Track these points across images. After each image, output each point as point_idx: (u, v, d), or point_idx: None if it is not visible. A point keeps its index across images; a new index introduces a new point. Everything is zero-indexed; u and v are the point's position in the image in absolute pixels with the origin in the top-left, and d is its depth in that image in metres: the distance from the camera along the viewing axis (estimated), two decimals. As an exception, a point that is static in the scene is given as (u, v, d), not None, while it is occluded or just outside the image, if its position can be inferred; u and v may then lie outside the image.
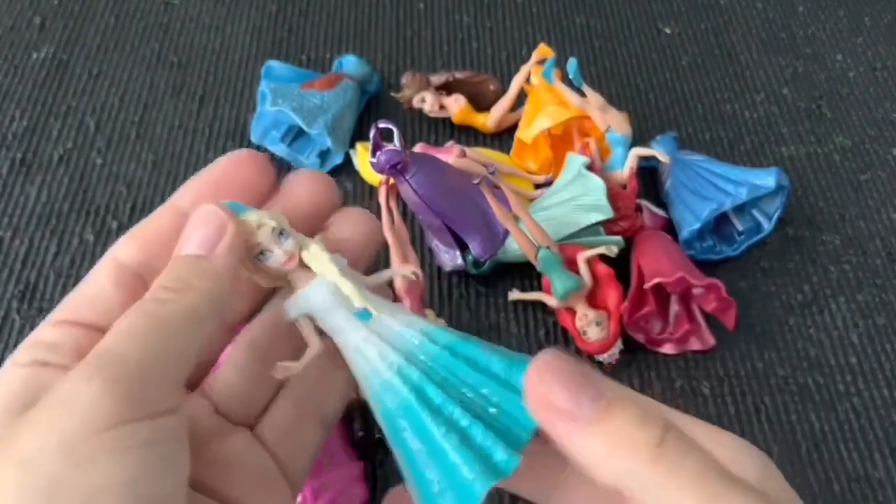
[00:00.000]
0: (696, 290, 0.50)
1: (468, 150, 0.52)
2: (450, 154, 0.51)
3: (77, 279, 0.40)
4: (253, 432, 0.25)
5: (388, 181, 0.49)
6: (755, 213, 0.55)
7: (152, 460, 0.19)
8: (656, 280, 0.48)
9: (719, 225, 0.55)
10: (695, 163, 0.55)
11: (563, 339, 0.51)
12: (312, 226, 0.26)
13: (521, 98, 0.60)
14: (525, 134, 0.56)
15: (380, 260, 0.28)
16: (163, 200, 0.25)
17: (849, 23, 0.71)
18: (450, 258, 0.53)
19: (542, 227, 0.48)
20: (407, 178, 0.45)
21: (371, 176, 0.58)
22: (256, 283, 0.25)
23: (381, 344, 0.24)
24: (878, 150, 0.62)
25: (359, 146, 0.59)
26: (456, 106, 0.60)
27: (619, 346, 0.49)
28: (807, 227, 0.57)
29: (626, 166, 0.54)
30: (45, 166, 0.59)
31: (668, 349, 0.51)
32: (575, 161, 0.53)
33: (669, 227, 0.55)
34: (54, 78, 0.64)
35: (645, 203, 0.55)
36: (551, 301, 0.49)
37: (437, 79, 0.61)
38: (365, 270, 0.27)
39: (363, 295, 0.24)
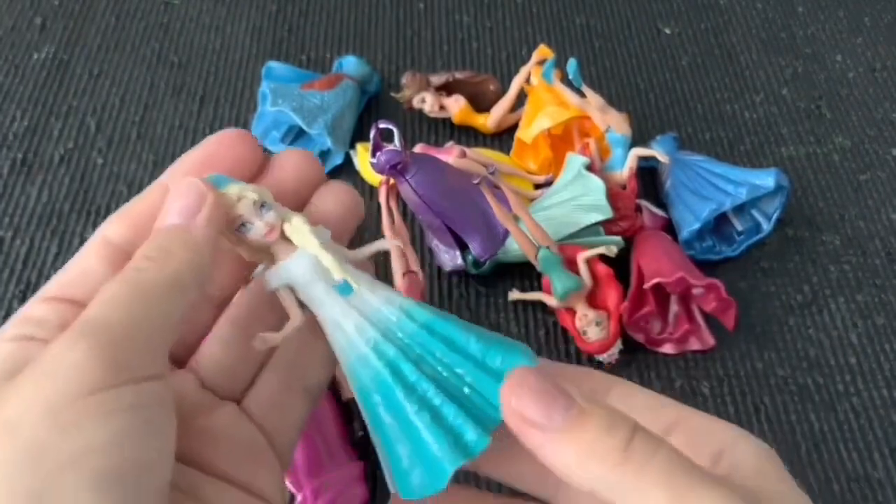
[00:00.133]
0: (695, 291, 0.50)
1: (468, 151, 0.52)
2: (450, 154, 0.52)
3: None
4: (240, 406, 0.26)
5: (388, 181, 0.49)
6: (755, 213, 0.55)
7: (137, 424, 0.19)
8: (656, 280, 0.48)
9: (719, 225, 0.55)
10: (694, 163, 0.55)
11: (562, 339, 0.52)
12: (298, 201, 0.26)
13: (521, 98, 0.60)
14: (525, 134, 0.56)
15: (363, 237, 0.28)
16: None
17: (848, 23, 0.71)
18: (450, 258, 0.53)
19: (542, 227, 0.49)
20: (407, 178, 0.45)
21: (371, 176, 0.58)
22: (240, 256, 0.25)
23: (359, 318, 0.24)
24: (877, 150, 0.62)
25: (359, 146, 0.59)
26: (456, 106, 0.60)
27: (618, 346, 0.49)
28: (806, 228, 0.57)
29: (625, 166, 0.54)
30: (45, 166, 0.59)
31: (667, 349, 0.51)
32: (575, 161, 0.53)
33: (669, 228, 0.55)
34: (55, 78, 0.64)
35: (645, 203, 0.56)
36: (551, 301, 0.49)
37: (437, 79, 0.61)
38: (348, 244, 0.27)
39: (343, 268, 0.24)
